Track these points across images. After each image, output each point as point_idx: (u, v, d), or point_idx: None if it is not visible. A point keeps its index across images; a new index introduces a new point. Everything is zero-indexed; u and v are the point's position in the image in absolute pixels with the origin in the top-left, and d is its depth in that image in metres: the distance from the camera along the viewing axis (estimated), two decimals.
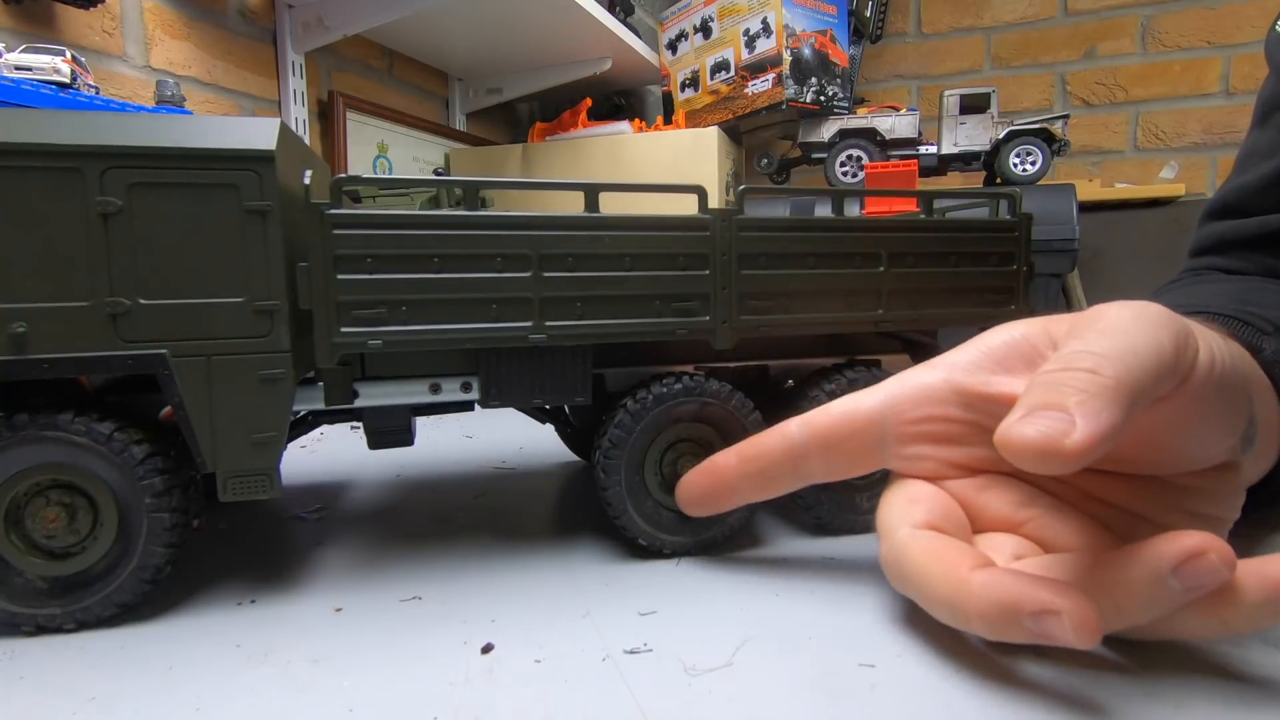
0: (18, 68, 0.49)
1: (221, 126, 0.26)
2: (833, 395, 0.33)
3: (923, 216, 0.37)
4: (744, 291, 0.33)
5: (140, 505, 0.27)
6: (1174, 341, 0.22)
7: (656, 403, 0.32)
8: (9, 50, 0.50)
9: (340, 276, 0.28)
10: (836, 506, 0.35)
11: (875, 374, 0.36)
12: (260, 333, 0.27)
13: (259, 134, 0.26)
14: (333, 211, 0.27)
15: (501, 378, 0.32)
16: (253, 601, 0.29)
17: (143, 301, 0.25)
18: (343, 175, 0.28)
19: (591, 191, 0.31)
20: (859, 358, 0.37)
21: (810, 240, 0.34)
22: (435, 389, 0.31)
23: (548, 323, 0.30)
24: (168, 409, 0.28)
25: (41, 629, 0.26)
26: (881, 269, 0.35)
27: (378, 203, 0.53)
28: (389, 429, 0.33)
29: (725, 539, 0.33)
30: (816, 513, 0.35)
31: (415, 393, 0.31)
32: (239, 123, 0.27)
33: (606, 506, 0.33)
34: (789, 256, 0.33)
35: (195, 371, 0.26)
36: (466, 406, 0.34)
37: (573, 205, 0.31)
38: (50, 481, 0.26)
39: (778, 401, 0.35)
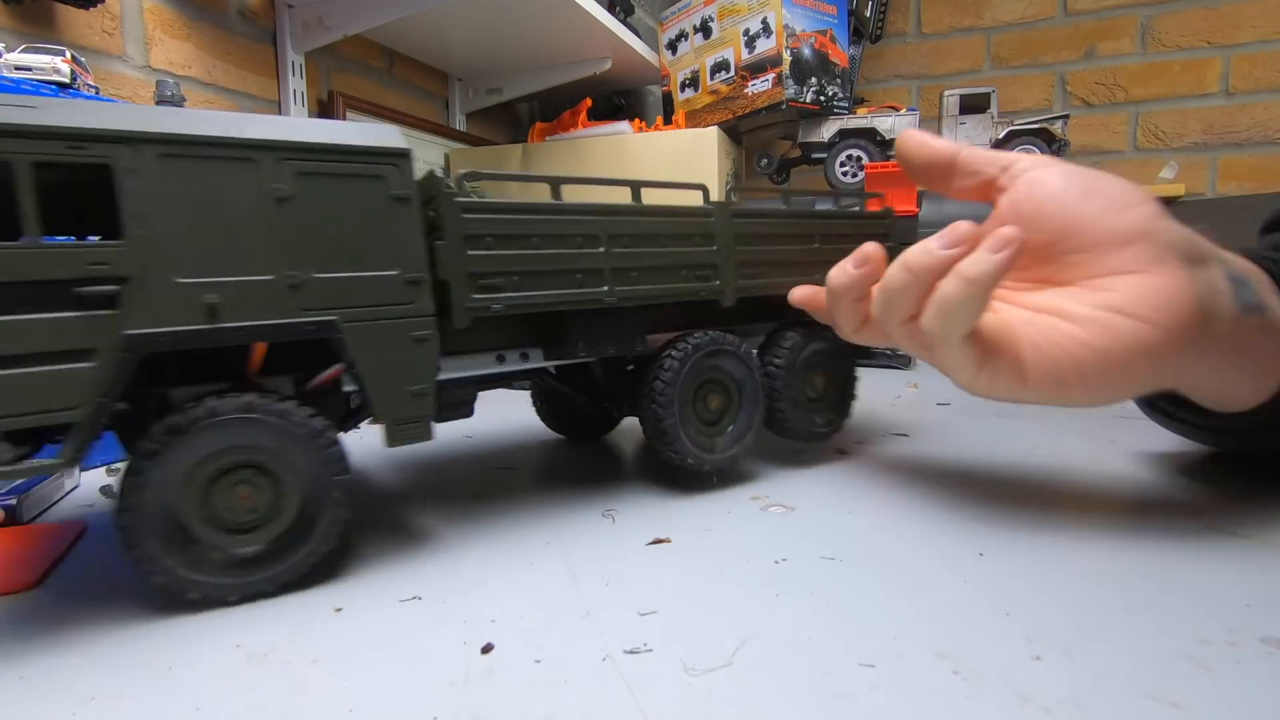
0: (18, 68, 0.49)
1: (357, 129, 0.31)
2: (786, 340, 0.46)
3: (843, 207, 0.52)
4: (739, 261, 0.42)
5: (325, 475, 0.30)
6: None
7: (695, 350, 0.41)
8: (9, 50, 0.50)
9: (469, 252, 0.33)
10: (799, 420, 0.46)
11: (811, 333, 0.46)
12: (410, 300, 0.31)
13: (389, 135, 0.31)
14: (461, 200, 0.33)
15: (588, 334, 0.38)
16: (253, 602, 0.29)
17: (315, 275, 0.29)
18: (466, 170, 0.34)
19: (636, 187, 0.40)
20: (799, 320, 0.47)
21: (778, 224, 0.45)
22: (500, 359, 0.37)
23: (617, 288, 0.37)
24: (324, 375, 0.32)
25: (198, 599, 0.28)
26: (816, 245, 0.47)
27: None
28: (458, 401, 0.37)
29: (745, 456, 0.43)
30: (785, 421, 0.45)
31: (484, 365, 0.37)
32: (369, 126, 0.31)
33: (661, 436, 0.40)
34: (765, 236, 0.44)
35: (361, 334, 0.30)
36: (524, 376, 0.42)
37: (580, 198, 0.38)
38: (240, 461, 0.29)
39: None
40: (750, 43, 1.23)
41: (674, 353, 0.40)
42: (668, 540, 0.34)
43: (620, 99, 1.47)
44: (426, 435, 0.32)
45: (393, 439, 0.32)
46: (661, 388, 0.40)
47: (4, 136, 0.23)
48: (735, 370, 0.42)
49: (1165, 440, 0.50)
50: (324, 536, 0.30)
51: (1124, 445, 0.50)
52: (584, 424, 0.55)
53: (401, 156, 0.31)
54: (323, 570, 0.31)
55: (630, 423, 0.58)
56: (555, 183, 0.37)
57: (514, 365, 0.38)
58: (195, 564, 0.28)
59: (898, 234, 0.51)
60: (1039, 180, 0.32)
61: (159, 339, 0.26)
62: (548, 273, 0.35)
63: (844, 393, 0.50)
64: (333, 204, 0.29)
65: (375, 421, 0.31)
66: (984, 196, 0.35)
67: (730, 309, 0.43)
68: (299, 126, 0.29)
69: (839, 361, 0.48)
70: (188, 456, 0.27)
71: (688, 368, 0.40)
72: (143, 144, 0.25)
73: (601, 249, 0.37)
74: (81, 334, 0.25)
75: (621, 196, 0.39)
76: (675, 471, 0.45)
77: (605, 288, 0.37)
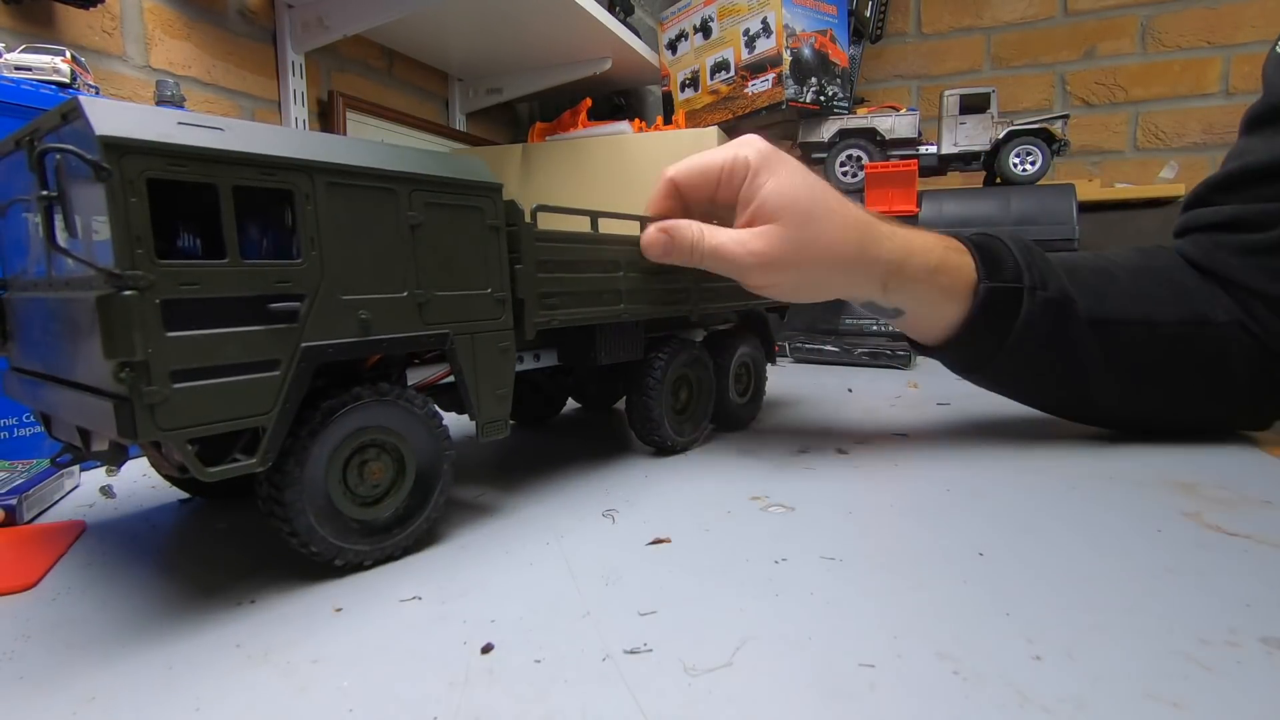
0: (18, 68, 0.49)
1: (456, 162, 0.34)
2: (729, 345, 0.57)
3: None
4: (703, 289, 0.51)
5: (439, 454, 0.34)
6: (723, 162, 0.45)
7: (675, 354, 0.50)
8: (9, 50, 0.50)
9: (539, 275, 0.38)
10: (733, 411, 0.56)
11: (742, 339, 0.58)
12: (498, 316, 0.36)
13: (482, 169, 0.35)
14: (536, 229, 0.38)
15: (609, 344, 0.46)
16: (253, 601, 0.29)
17: (436, 293, 0.33)
18: (540, 204, 0.40)
19: (645, 221, 0.47)
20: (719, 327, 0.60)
21: None
22: (519, 360, 0.43)
23: (629, 306, 0.45)
24: (430, 377, 0.37)
25: (345, 564, 0.31)
26: None
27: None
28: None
29: (702, 441, 0.53)
30: (728, 412, 0.56)
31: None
32: (464, 159, 0.35)
33: (649, 422, 0.48)
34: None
35: (465, 345, 0.34)
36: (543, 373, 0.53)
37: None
38: (370, 440, 0.32)
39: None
40: (750, 43, 1.23)
41: (661, 356, 0.49)
42: (668, 540, 0.34)
43: (620, 99, 1.47)
44: (506, 431, 0.37)
45: (484, 434, 0.36)
46: (653, 384, 0.48)
47: (212, 162, 0.25)
48: (699, 371, 0.52)
49: (1164, 442, 0.50)
50: (435, 505, 0.34)
51: (1124, 446, 0.50)
52: (535, 411, 0.63)
53: (496, 190, 0.35)
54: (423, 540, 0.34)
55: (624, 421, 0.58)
56: (594, 216, 0.44)
57: (529, 365, 0.44)
58: (341, 533, 0.31)
59: None
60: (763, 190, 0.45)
61: (329, 350, 0.29)
62: (588, 293, 0.42)
63: (759, 387, 0.61)
64: (447, 231, 0.33)
65: (472, 419, 0.36)
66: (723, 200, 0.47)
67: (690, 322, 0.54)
68: (421, 158, 0.32)
69: (759, 363, 0.61)
70: (338, 433, 0.30)
71: (670, 369, 0.49)
72: (317, 173, 0.28)
73: (620, 273, 0.44)
74: (271, 346, 0.27)
75: (629, 227, 0.46)
76: (675, 471, 0.46)
77: (621, 306, 0.44)
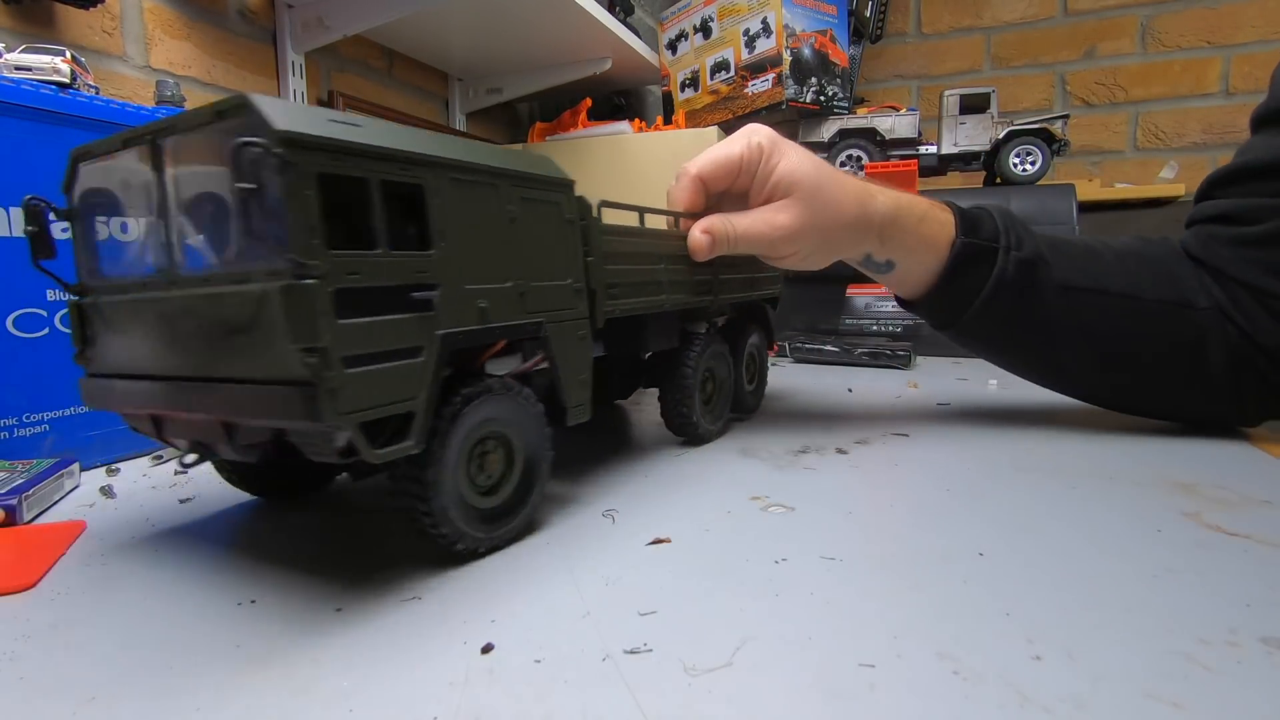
0: (18, 68, 0.49)
1: (530, 159, 0.35)
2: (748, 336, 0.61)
3: None
4: (721, 280, 0.54)
5: (542, 448, 0.35)
6: (741, 150, 0.49)
7: (706, 347, 0.52)
8: (9, 50, 0.50)
9: (607, 267, 0.40)
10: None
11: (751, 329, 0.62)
12: (576, 305, 0.38)
13: (555, 167, 0.37)
14: (603, 223, 0.40)
15: (654, 331, 0.49)
16: (253, 602, 0.29)
17: (531, 283, 0.34)
18: (602, 200, 0.41)
19: (680, 218, 0.50)
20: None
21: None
22: None
23: (669, 296, 0.47)
24: (528, 364, 0.37)
25: (471, 551, 0.32)
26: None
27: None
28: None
29: (725, 430, 0.56)
30: (740, 400, 0.59)
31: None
32: (537, 157, 0.36)
33: (684, 409, 0.51)
34: (734, 264, 0.56)
35: (554, 333, 0.36)
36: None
37: None
38: (490, 432, 0.33)
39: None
40: (750, 43, 1.23)
41: (695, 348, 0.51)
42: (668, 540, 0.34)
43: (620, 99, 1.47)
44: (588, 415, 0.39)
45: (571, 419, 0.38)
46: (689, 372, 0.50)
47: (364, 157, 0.27)
48: (721, 366, 0.55)
49: (1164, 442, 0.50)
50: (536, 498, 0.35)
51: (1124, 446, 0.50)
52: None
53: (570, 186, 0.37)
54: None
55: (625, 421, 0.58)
56: (642, 212, 0.46)
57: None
58: (465, 518, 0.32)
59: None
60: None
61: (458, 337, 0.30)
62: (640, 284, 0.44)
63: (763, 375, 0.65)
64: (535, 224, 0.35)
65: (562, 404, 0.38)
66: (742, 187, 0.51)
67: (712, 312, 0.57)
68: (514, 156, 0.34)
69: (762, 351, 0.64)
70: (471, 421, 0.31)
71: (703, 360, 0.51)
72: (441, 168, 0.30)
73: (662, 265, 0.46)
74: (416, 332, 0.29)
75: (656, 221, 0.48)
76: (676, 471, 0.46)
77: (664, 296, 0.46)
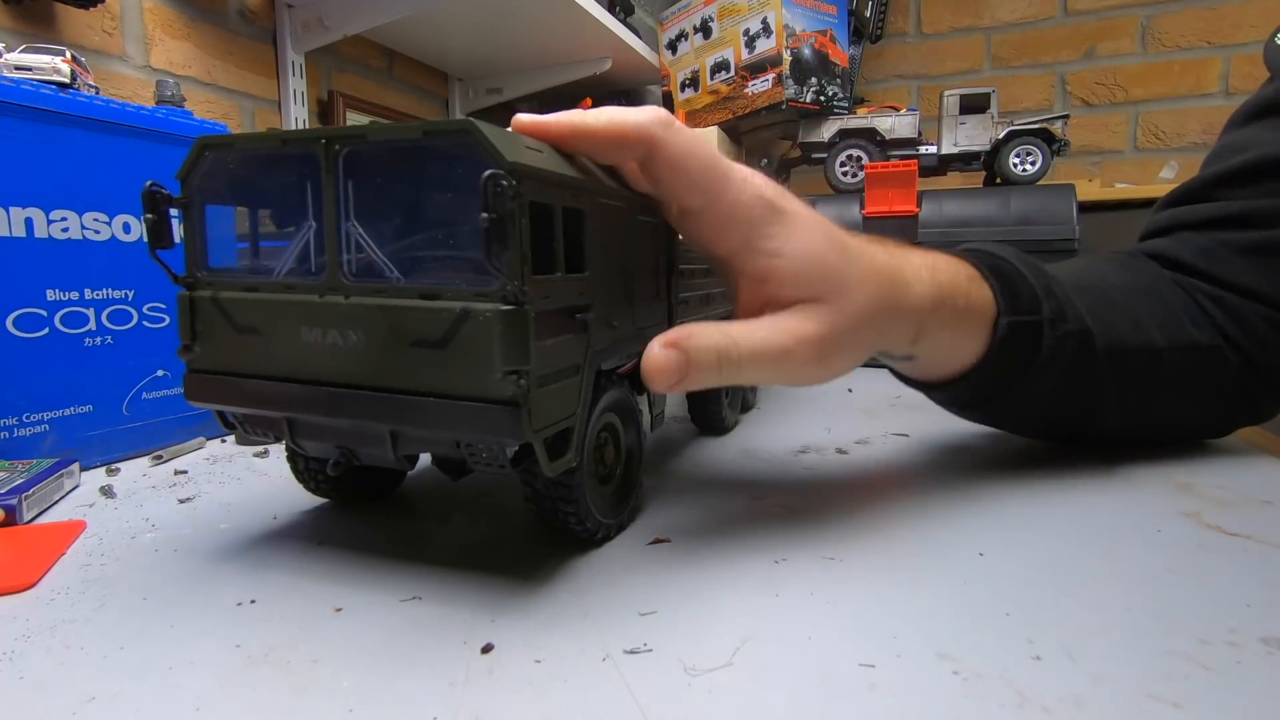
0: (18, 68, 0.49)
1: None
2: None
3: None
4: (718, 293, 0.52)
5: (639, 441, 0.37)
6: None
7: None
8: (9, 50, 0.50)
9: (681, 281, 0.41)
10: (708, 416, 0.56)
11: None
12: (662, 320, 0.39)
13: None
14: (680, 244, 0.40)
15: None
16: (253, 602, 0.29)
17: (640, 303, 0.36)
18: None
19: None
20: None
21: None
22: None
23: (702, 309, 0.47)
24: (628, 365, 0.37)
25: (604, 537, 0.34)
26: None
27: None
28: None
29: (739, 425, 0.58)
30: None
31: None
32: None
33: (713, 406, 0.54)
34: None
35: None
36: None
37: None
38: (605, 424, 0.35)
39: None
40: (750, 43, 1.23)
41: None
42: (668, 540, 0.34)
43: (620, 99, 1.48)
44: (664, 421, 0.42)
45: (655, 425, 0.40)
46: None
47: (555, 185, 0.28)
48: None
49: (1163, 443, 0.50)
50: (639, 486, 0.37)
51: (1123, 448, 0.50)
52: None
53: (666, 209, 0.38)
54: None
55: None
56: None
57: None
58: (599, 508, 0.33)
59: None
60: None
61: (602, 356, 0.32)
62: (694, 298, 0.45)
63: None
64: (643, 245, 0.36)
65: (652, 410, 0.40)
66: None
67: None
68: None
69: None
70: (597, 416, 0.33)
71: None
72: (593, 193, 0.31)
73: (706, 279, 0.47)
74: (578, 351, 0.30)
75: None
76: (675, 471, 0.46)
77: (712, 308, 0.48)
